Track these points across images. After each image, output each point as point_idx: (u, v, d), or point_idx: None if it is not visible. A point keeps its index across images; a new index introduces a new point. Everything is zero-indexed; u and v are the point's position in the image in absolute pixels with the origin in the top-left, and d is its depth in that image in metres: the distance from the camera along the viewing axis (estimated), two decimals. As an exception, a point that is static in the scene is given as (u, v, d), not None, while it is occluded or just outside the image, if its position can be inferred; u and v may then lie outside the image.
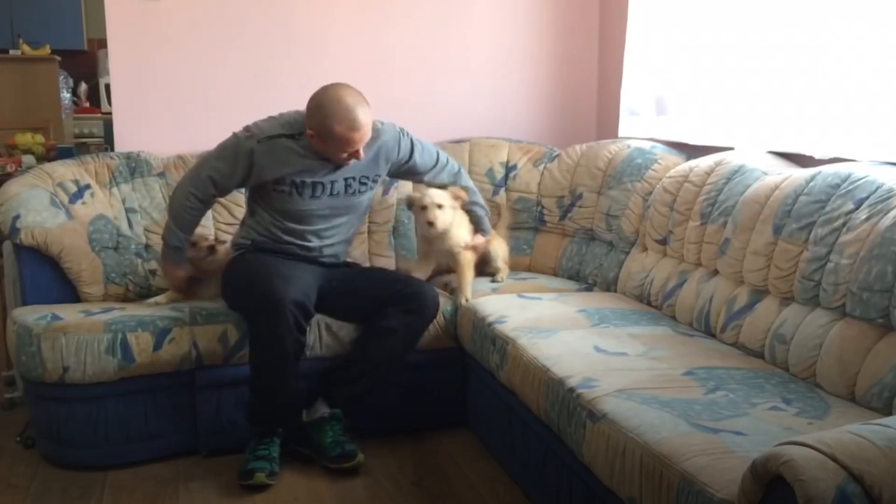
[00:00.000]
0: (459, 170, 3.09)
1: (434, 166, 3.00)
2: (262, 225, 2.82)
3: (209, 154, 2.81)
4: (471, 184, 3.13)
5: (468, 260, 2.96)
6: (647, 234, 3.00)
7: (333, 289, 2.77)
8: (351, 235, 2.99)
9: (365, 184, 2.84)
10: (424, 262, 3.09)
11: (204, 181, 2.74)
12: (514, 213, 3.43)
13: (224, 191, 2.82)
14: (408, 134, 2.93)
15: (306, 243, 2.83)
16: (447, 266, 3.07)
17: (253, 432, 2.65)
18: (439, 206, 2.85)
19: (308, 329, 2.66)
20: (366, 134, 2.67)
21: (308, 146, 2.71)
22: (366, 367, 2.70)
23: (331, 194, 2.79)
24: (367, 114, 2.64)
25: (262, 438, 2.63)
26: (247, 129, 2.75)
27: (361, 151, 2.70)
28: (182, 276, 2.87)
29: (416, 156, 2.94)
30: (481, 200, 3.13)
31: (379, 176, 2.90)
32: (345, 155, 2.69)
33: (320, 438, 2.67)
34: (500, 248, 3.19)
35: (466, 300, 2.90)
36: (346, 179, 2.79)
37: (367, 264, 3.28)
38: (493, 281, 3.13)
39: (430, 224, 2.83)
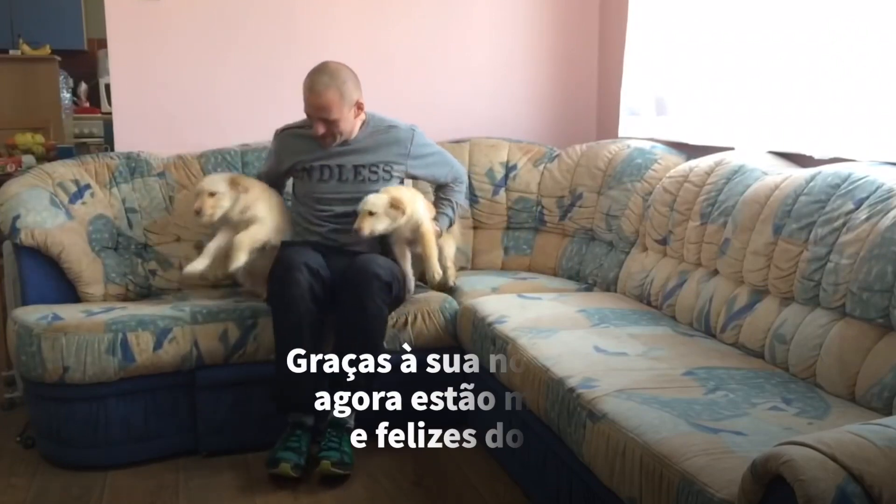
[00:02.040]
0: (461, 188, 3.13)
1: (443, 180, 3.09)
2: (296, 213, 2.99)
3: None
4: (462, 199, 3.13)
5: (429, 231, 2.86)
6: (647, 234, 3.00)
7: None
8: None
9: (375, 172, 2.90)
10: (398, 249, 2.97)
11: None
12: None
13: (276, 175, 3.05)
14: (420, 143, 2.99)
15: (324, 231, 2.87)
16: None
17: (286, 423, 2.63)
18: (371, 213, 2.75)
19: (324, 307, 2.66)
20: (318, 99, 2.77)
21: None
22: (349, 346, 2.62)
23: (340, 179, 2.89)
24: (326, 82, 2.76)
25: (294, 429, 2.61)
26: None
27: (320, 126, 2.80)
28: None
29: (425, 170, 3.04)
30: (453, 212, 3.06)
31: (392, 167, 2.93)
32: (315, 128, 2.82)
33: None
34: (447, 247, 3.07)
35: (438, 274, 2.84)
36: (355, 167, 2.89)
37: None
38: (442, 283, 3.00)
39: (357, 231, 2.73)
